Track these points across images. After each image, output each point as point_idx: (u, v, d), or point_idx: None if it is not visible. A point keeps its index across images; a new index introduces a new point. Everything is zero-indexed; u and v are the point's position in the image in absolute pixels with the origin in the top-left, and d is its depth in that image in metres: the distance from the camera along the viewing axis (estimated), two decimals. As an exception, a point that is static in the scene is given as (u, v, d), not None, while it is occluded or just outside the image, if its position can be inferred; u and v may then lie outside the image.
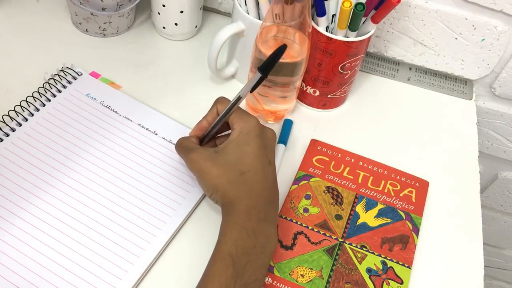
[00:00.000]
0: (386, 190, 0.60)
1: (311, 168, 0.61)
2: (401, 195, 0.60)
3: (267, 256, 0.47)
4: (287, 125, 0.65)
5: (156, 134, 0.61)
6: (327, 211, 0.58)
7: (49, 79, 0.63)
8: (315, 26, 0.60)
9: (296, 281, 0.52)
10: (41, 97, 0.61)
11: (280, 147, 0.62)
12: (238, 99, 0.51)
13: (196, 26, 0.73)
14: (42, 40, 0.70)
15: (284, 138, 0.63)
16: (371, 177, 0.61)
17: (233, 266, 0.45)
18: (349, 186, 0.60)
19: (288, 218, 0.56)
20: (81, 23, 0.70)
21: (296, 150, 0.63)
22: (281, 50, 0.48)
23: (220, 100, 0.54)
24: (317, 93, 0.66)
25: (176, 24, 0.70)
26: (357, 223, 0.57)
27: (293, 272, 0.52)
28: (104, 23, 0.70)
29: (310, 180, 0.60)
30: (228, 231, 0.47)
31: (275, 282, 0.51)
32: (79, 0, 0.66)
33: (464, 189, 0.63)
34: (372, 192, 0.60)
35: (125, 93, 0.64)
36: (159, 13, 0.70)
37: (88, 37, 0.71)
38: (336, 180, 0.60)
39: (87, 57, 0.68)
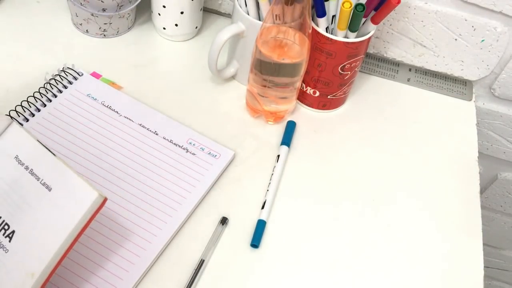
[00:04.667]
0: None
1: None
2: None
3: None
4: (290, 126, 0.65)
5: (156, 134, 0.61)
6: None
7: (50, 79, 0.63)
8: (315, 27, 0.60)
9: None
10: (42, 97, 0.61)
11: (283, 148, 0.62)
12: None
13: (196, 27, 0.73)
14: (43, 41, 0.70)
15: (287, 140, 0.63)
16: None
17: None
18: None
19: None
20: (82, 24, 0.70)
21: (296, 151, 0.64)
22: None
23: None
24: (317, 93, 0.66)
25: (176, 25, 0.71)
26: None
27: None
28: (105, 24, 0.70)
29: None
30: None
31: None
32: (79, 1, 0.66)
33: (464, 190, 0.63)
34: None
35: (126, 94, 0.65)
36: (159, 14, 0.70)
37: (89, 38, 0.71)
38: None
39: (88, 58, 0.69)
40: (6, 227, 0.45)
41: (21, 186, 0.46)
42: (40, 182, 0.45)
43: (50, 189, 0.45)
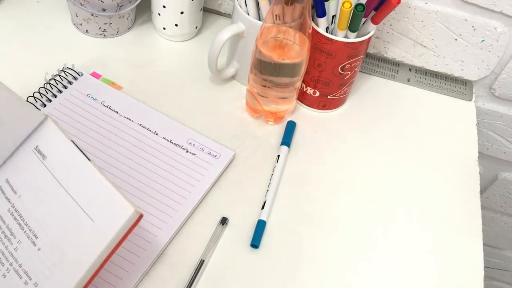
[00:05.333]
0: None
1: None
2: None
3: None
4: (290, 126, 0.65)
5: (156, 134, 0.61)
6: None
7: (50, 79, 0.63)
8: (315, 27, 0.60)
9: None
10: (42, 97, 0.61)
11: (283, 149, 0.62)
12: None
13: (196, 27, 0.73)
14: (43, 41, 0.70)
15: (287, 140, 0.63)
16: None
17: None
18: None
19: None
20: (82, 24, 0.70)
21: (296, 151, 0.64)
22: None
23: None
24: (317, 94, 0.66)
25: (176, 25, 0.71)
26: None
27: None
28: (105, 24, 0.70)
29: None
30: None
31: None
32: (79, 1, 0.66)
33: (464, 190, 0.63)
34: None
35: (126, 94, 0.65)
36: (159, 14, 0.70)
37: (89, 38, 0.71)
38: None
39: (88, 58, 0.69)
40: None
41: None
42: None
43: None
